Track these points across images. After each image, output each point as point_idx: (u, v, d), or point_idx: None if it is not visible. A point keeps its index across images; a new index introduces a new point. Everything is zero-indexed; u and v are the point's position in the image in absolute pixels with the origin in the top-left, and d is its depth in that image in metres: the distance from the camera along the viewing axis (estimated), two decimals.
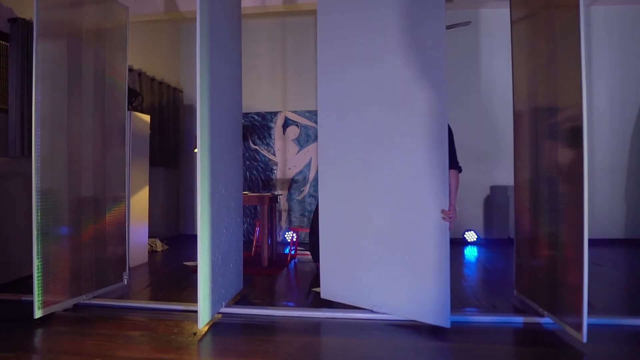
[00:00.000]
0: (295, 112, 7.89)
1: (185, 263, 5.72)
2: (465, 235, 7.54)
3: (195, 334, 3.23)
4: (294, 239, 6.23)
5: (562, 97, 3.27)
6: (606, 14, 7.36)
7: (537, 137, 3.68)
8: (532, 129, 3.78)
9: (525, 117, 3.93)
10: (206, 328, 3.34)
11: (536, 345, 3.10)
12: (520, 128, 4.04)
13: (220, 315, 3.65)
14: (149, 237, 6.17)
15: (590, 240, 7.21)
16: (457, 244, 7.47)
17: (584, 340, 2.87)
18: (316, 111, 7.76)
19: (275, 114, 7.93)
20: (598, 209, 7.37)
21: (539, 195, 3.63)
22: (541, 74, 3.60)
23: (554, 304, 3.34)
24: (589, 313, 3.58)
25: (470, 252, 6.78)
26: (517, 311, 3.72)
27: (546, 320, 3.44)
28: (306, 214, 7.71)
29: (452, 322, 3.45)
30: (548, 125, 3.49)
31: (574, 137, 3.07)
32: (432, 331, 3.32)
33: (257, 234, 6.53)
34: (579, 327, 2.93)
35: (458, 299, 4.13)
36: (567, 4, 3.10)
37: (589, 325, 3.19)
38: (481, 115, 7.50)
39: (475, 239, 7.50)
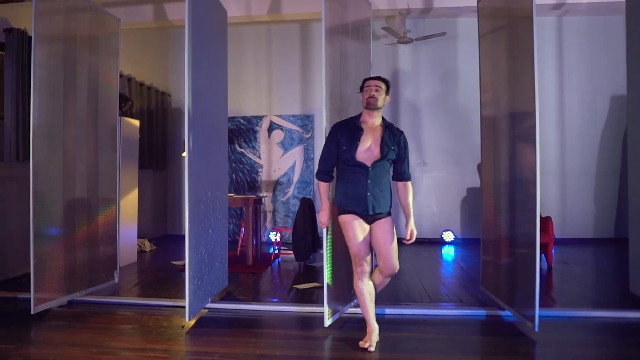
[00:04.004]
0: (280, 116, 8.15)
1: (173, 262, 5.95)
2: (442, 236, 7.86)
3: (183, 326, 3.50)
4: (278, 239, 6.49)
5: (520, 105, 3.59)
6: (577, 24, 7.73)
7: (500, 143, 4.00)
8: (495, 134, 4.10)
9: (490, 123, 4.25)
10: (193, 321, 3.60)
11: (495, 335, 3.42)
12: (486, 133, 4.36)
13: (206, 310, 3.91)
14: (137, 238, 6.39)
15: (560, 240, 7.62)
16: (435, 243, 7.79)
17: (536, 329, 3.20)
18: (300, 115, 8.09)
19: (260, 118, 8.19)
20: (569, 210, 7.75)
21: (501, 197, 3.95)
22: (503, 82, 3.93)
23: (513, 298, 3.65)
24: (549, 307, 3.95)
25: (448, 252, 7.10)
26: (482, 305, 4.03)
27: (506, 313, 3.75)
28: (290, 215, 7.97)
29: (422, 315, 3.78)
30: (507, 131, 3.81)
31: (529, 144, 3.37)
32: (394, 322, 3.62)
33: (242, 234, 6.78)
34: (532, 319, 3.25)
35: (429, 295, 4.43)
36: (524, 16, 3.42)
37: (546, 317, 3.56)
38: (459, 120, 7.81)
39: (452, 239, 7.82)
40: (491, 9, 4.23)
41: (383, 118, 3.28)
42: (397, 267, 3.23)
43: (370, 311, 3.18)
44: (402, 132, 3.27)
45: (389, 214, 3.22)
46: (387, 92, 3.22)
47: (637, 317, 3.68)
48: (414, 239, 3.24)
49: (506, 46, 3.90)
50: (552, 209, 7.61)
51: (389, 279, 3.32)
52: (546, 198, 7.67)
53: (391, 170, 3.25)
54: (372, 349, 3.05)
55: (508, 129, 3.84)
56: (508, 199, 3.81)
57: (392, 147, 3.14)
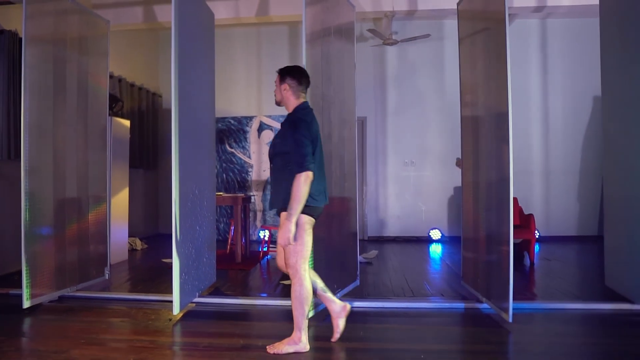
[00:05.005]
0: (269, 116, 8.27)
1: (163, 260, 6.04)
2: (430, 234, 8.00)
3: (170, 319, 3.60)
4: (267, 237, 6.60)
5: (496, 106, 3.72)
6: (560, 26, 7.91)
7: (478, 143, 4.13)
8: (474, 134, 4.24)
9: (470, 123, 4.39)
10: (180, 315, 3.70)
11: (472, 326, 3.56)
12: (466, 133, 4.50)
13: (193, 305, 4.01)
14: (129, 237, 6.48)
15: (545, 237, 7.79)
16: (423, 241, 7.93)
17: (510, 320, 3.33)
18: None
19: (250, 118, 8.30)
20: (553, 209, 7.92)
21: (479, 196, 4.09)
22: (481, 84, 4.07)
23: (490, 291, 3.79)
24: (528, 300, 4.11)
25: (435, 249, 7.24)
26: (462, 299, 4.16)
27: (484, 305, 3.88)
28: None
29: (403, 308, 3.91)
30: (485, 132, 3.95)
31: (505, 144, 3.50)
32: (375, 315, 3.75)
33: (232, 233, 6.88)
34: (507, 310, 3.38)
35: (412, 290, 4.55)
36: (500, 18, 3.54)
37: (522, 309, 3.73)
38: (446, 120, 7.95)
39: (439, 237, 7.97)
40: (470, 11, 4.37)
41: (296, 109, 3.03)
42: (290, 267, 2.95)
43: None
44: (287, 117, 3.00)
45: (285, 209, 2.88)
46: (281, 81, 3.03)
47: (609, 308, 3.83)
48: (281, 242, 2.87)
49: (484, 48, 4.03)
50: (536, 208, 7.77)
51: (296, 286, 2.94)
52: (530, 196, 7.84)
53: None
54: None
55: (485, 130, 3.98)
56: (486, 198, 3.94)
57: (277, 140, 3.00)
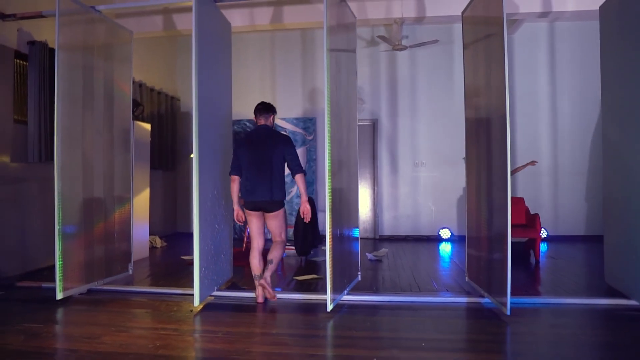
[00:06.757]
0: (283, 119, 8.54)
1: (183, 257, 6.35)
2: (440, 233, 8.20)
3: (191, 310, 3.89)
4: None
5: (497, 109, 3.92)
6: (568, 28, 8.05)
7: (480, 145, 4.34)
8: (477, 137, 4.45)
9: (473, 126, 4.60)
10: (200, 307, 3.99)
11: (473, 319, 3.79)
12: (469, 136, 4.71)
13: (212, 298, 4.30)
14: (149, 235, 6.79)
15: (553, 237, 7.95)
16: (433, 240, 8.14)
17: (508, 313, 3.54)
18: (303, 118, 8.48)
19: None
20: (561, 208, 8.07)
21: (481, 196, 4.30)
22: (483, 88, 4.28)
23: (491, 287, 4.00)
24: (532, 296, 4.32)
25: (444, 248, 7.45)
26: (465, 294, 4.38)
27: (486, 300, 4.10)
28: (293, 212, 8.35)
29: (409, 302, 4.14)
30: (486, 135, 4.16)
31: (503, 146, 3.71)
32: (382, 308, 3.99)
33: (247, 231, 7.16)
34: (505, 304, 3.60)
35: (418, 285, 4.78)
36: (499, 24, 3.75)
37: (522, 304, 3.95)
38: (455, 122, 8.11)
39: (449, 236, 8.17)
40: (473, 18, 4.58)
41: None
42: None
43: None
44: None
45: None
46: None
47: (605, 303, 4.02)
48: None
49: (486, 53, 4.24)
50: (545, 208, 7.94)
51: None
52: (539, 197, 8.00)
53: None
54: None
55: (488, 132, 4.19)
56: (488, 198, 4.15)
57: None
